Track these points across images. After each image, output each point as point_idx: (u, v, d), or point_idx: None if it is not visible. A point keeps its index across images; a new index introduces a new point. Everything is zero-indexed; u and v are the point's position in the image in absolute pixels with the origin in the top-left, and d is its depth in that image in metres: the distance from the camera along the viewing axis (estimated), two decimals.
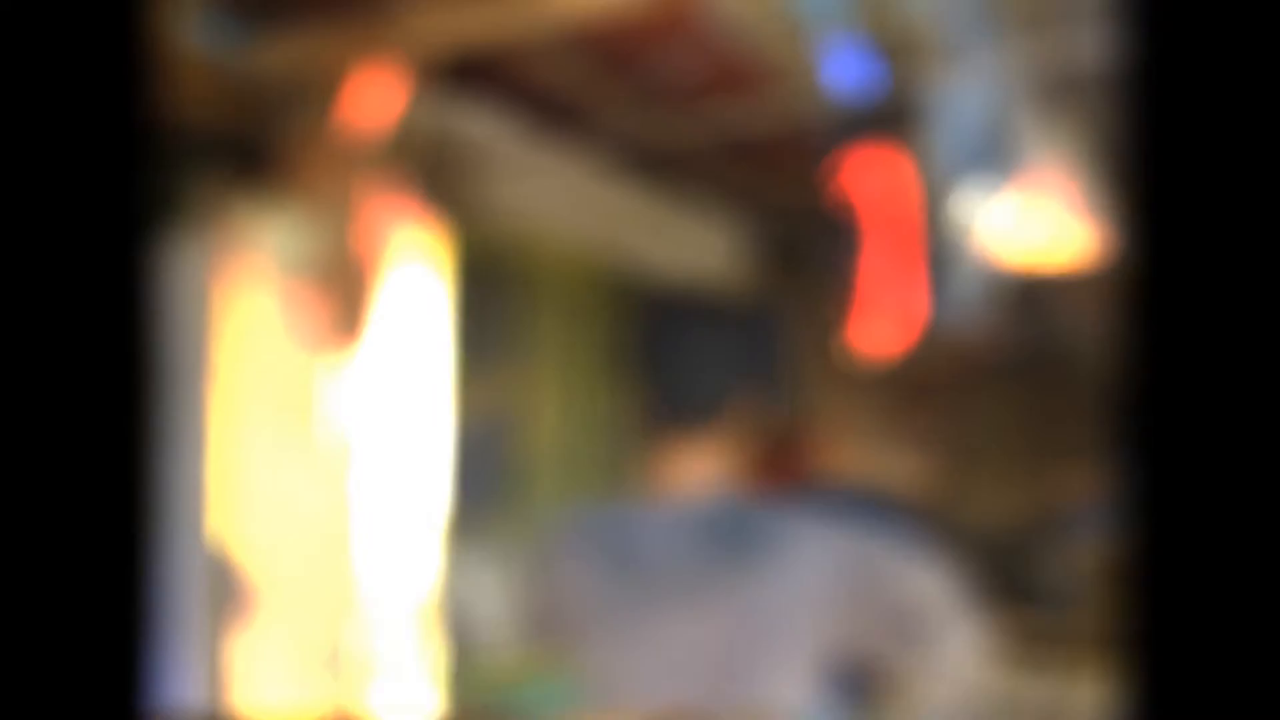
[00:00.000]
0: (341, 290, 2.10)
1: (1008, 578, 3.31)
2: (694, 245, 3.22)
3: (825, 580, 1.21)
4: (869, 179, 1.69)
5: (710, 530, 1.24)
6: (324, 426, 2.10)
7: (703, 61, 2.52)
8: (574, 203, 2.95)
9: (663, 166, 3.11)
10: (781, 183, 3.20)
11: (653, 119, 2.84)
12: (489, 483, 2.78)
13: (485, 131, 2.76)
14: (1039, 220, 1.89)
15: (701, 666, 1.20)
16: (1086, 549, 3.50)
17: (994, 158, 1.74)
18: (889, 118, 1.74)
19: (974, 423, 3.51)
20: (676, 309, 1.33)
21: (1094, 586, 3.21)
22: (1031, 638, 2.99)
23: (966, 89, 1.76)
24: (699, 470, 1.26)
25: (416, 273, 2.45)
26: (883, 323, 1.65)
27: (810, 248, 2.71)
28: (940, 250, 1.70)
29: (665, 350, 1.28)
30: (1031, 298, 2.38)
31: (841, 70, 1.76)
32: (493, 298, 2.76)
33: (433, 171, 2.42)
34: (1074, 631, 3.11)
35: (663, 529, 1.25)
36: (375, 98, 2.15)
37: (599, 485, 2.98)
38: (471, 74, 2.62)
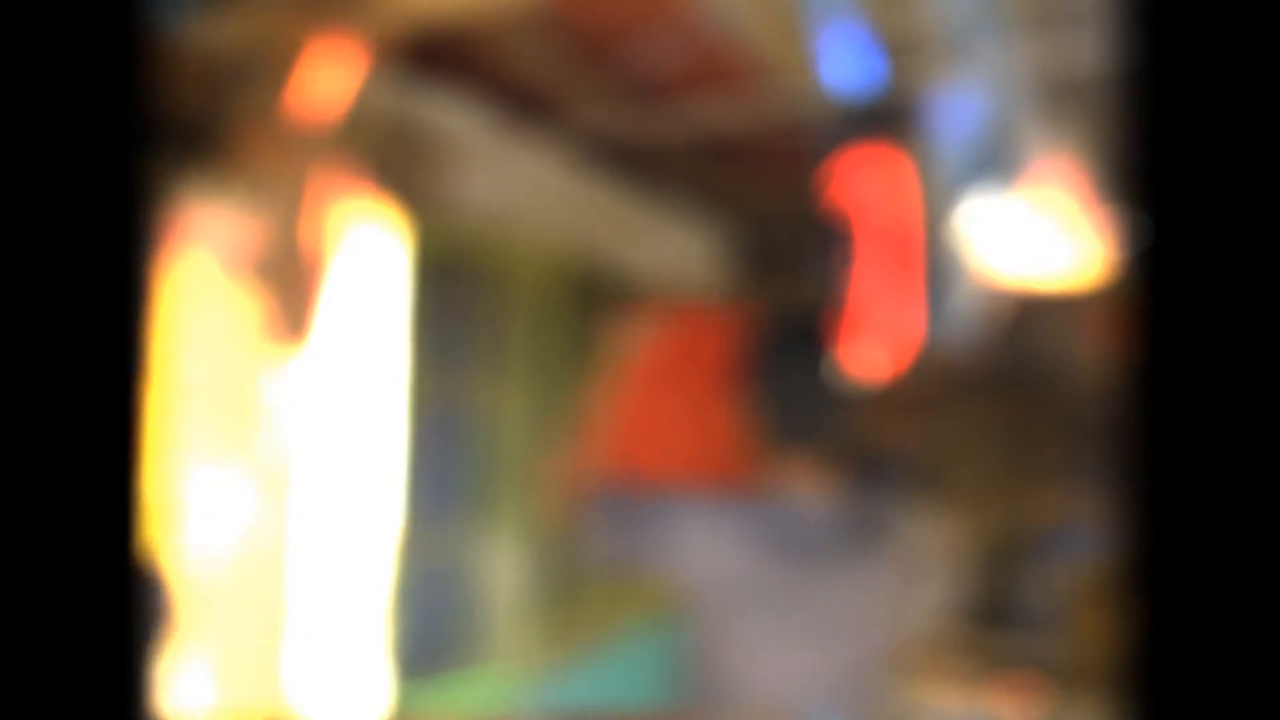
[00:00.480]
0: (290, 283, 1.94)
1: (983, 600, 3.20)
2: (670, 247, 3.07)
3: (912, 561, 1.50)
4: (866, 183, 1.55)
5: (848, 524, 1.47)
6: (267, 428, 1.95)
7: (684, 52, 2.38)
8: (545, 198, 2.80)
9: (640, 163, 2.97)
10: (764, 184, 3.06)
11: (630, 112, 2.69)
12: (454, 484, 2.63)
13: (453, 121, 2.61)
14: (1041, 232, 1.76)
15: (840, 629, 1.46)
16: (1065, 572, 3.39)
17: (997, 163, 1.61)
18: (888, 118, 1.60)
19: (949, 441, 3.40)
20: (792, 329, 1.46)
21: (1073, 611, 3.10)
22: (1009, 662, 2.89)
23: (969, 90, 1.62)
24: (813, 478, 1.46)
25: (373, 266, 2.30)
26: (876, 340, 1.52)
27: (795, 254, 2.59)
28: (938, 262, 1.56)
29: (782, 368, 1.42)
30: (1016, 314, 2.25)
31: (841, 64, 1.62)
32: (459, 295, 2.61)
33: (391, 158, 2.26)
34: (1053, 656, 2.99)
35: (810, 522, 1.46)
36: (330, 77, 1.99)
37: (566, 493, 2.83)
38: (439, 59, 2.47)
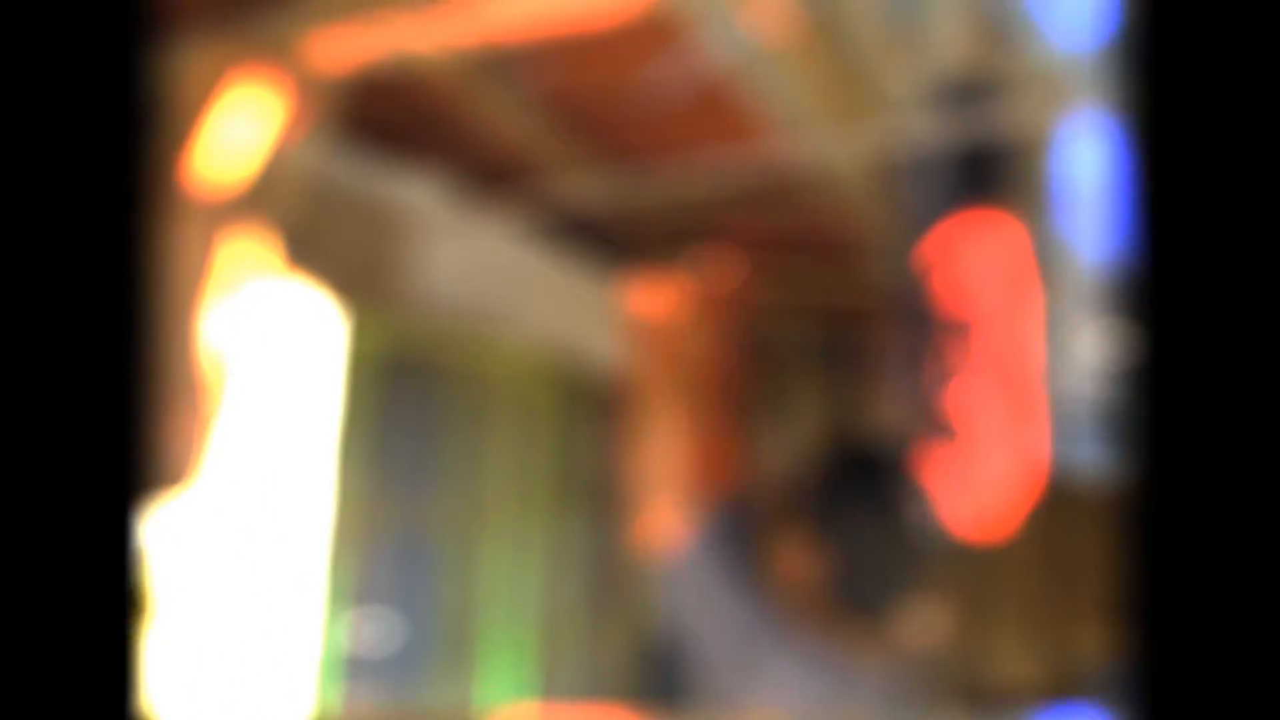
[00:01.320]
0: (181, 392, 1.50)
1: None
2: None
3: None
4: (965, 260, 1.13)
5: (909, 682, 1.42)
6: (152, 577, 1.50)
7: (684, 106, 1.97)
8: (521, 285, 2.37)
9: (634, 244, 2.55)
10: (787, 269, 2.64)
11: (619, 184, 2.28)
12: (419, 630, 2.17)
13: (409, 192, 2.20)
14: None
15: None
16: (1116, 712, 2.97)
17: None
18: (992, 168, 1.18)
19: (997, 567, 2.98)
20: (856, 461, 1.31)
21: None
22: None
23: (1096, 133, 1.21)
24: (884, 649, 1.34)
25: (298, 367, 1.86)
26: (990, 477, 1.08)
27: (835, 361, 2.23)
28: (1061, 369, 1.13)
29: (845, 512, 1.26)
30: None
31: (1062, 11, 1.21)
32: (420, 402, 2.18)
33: (323, 233, 1.84)
34: None
35: (876, 686, 1.38)
36: (247, 132, 1.58)
37: (551, 626, 2.38)
38: (391, 119, 2.07)
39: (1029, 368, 1.09)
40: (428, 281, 2.24)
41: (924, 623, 1.40)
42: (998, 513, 1.12)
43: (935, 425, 1.12)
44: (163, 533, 1.39)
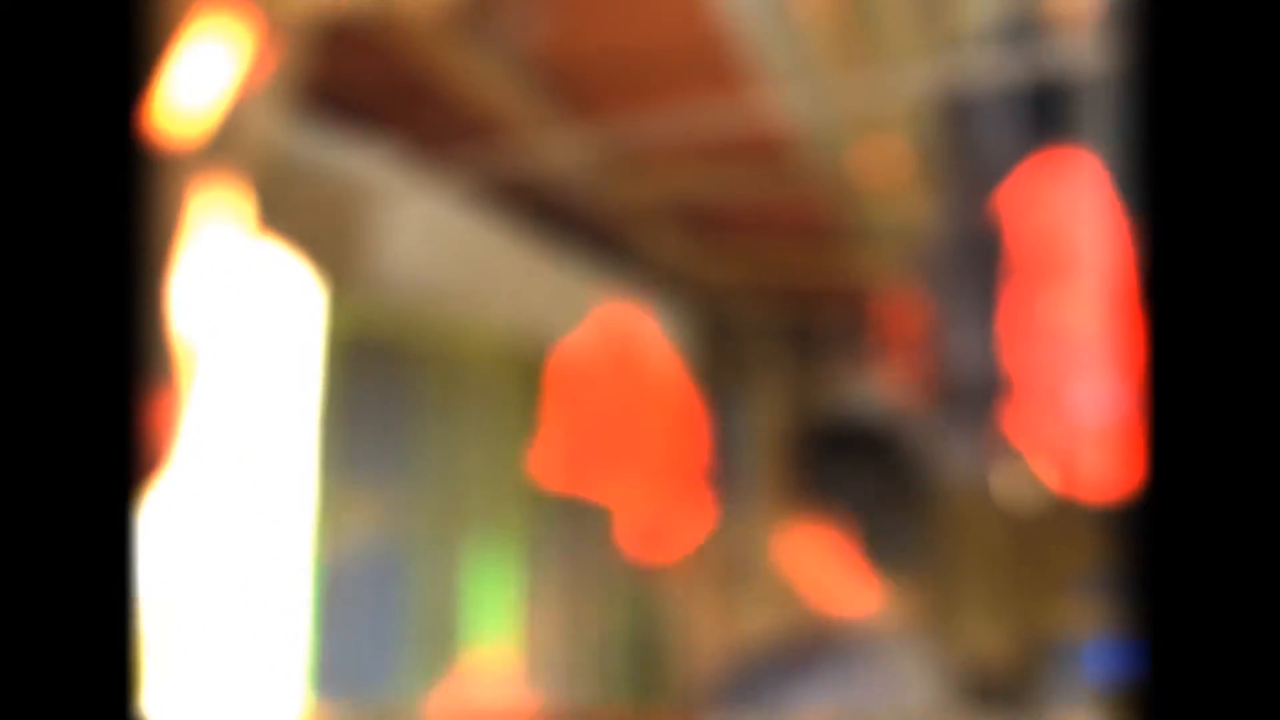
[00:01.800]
0: (155, 372, 1.35)
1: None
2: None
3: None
4: (1043, 202, 1.04)
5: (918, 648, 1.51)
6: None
7: (673, 65, 1.87)
8: (495, 265, 2.24)
9: (605, 222, 2.43)
10: (764, 243, 2.54)
11: (598, 152, 2.16)
12: (385, 645, 2.03)
13: (374, 169, 2.06)
14: None
15: None
16: (1086, 689, 3.02)
17: None
18: (1060, 111, 1.09)
19: (963, 546, 2.99)
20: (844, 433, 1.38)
21: None
22: None
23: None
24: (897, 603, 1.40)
25: (274, 346, 1.73)
26: (1077, 431, 1.00)
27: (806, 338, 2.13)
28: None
29: (844, 476, 1.30)
30: None
31: None
32: (392, 391, 2.03)
33: (274, 201, 1.71)
34: None
35: (897, 664, 1.45)
36: (215, 72, 1.45)
37: (520, 631, 2.25)
38: (364, 82, 1.94)
39: (1117, 313, 1.02)
40: (391, 258, 2.10)
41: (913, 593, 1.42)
42: (1096, 469, 1.05)
43: (1006, 378, 1.04)
44: (146, 524, 1.25)
